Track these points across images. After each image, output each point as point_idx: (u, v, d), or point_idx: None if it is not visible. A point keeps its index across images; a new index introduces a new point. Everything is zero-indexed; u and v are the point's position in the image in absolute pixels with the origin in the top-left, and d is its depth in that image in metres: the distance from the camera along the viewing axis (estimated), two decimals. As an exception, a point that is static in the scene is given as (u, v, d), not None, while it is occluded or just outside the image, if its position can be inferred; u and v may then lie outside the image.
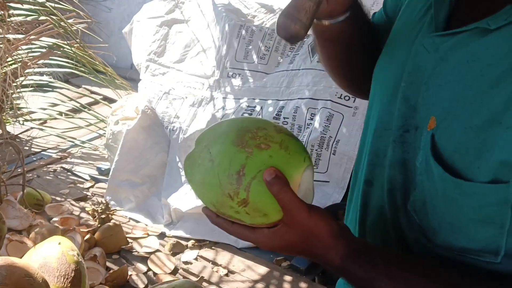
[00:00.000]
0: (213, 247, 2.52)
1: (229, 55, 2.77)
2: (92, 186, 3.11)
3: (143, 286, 2.28)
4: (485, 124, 0.54)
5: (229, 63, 2.76)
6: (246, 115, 2.54)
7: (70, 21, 3.16)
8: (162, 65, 2.97)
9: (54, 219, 2.57)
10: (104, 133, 3.77)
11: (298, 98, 2.41)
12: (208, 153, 0.64)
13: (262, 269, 2.33)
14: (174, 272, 2.37)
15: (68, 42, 3.20)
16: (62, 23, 3.05)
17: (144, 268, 2.39)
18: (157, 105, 2.81)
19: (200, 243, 2.57)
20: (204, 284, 2.24)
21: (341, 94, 2.33)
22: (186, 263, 2.41)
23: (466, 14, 0.62)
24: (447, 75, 0.60)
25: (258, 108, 2.53)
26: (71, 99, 3.66)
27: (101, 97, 4.45)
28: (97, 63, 3.38)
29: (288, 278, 2.26)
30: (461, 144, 0.56)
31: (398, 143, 0.67)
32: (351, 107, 2.29)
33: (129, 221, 2.78)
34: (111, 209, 2.72)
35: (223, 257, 2.44)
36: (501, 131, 0.52)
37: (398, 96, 0.68)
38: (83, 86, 4.72)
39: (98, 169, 3.21)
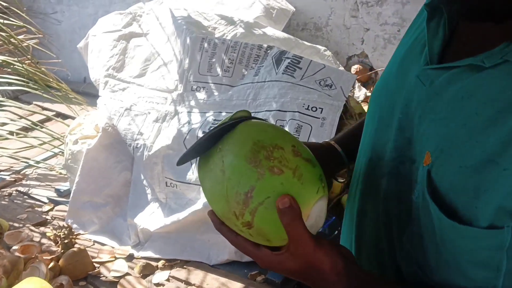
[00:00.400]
0: (184, 266, 2.45)
1: (192, 68, 2.71)
2: (51, 209, 2.96)
3: (115, 312, 2.18)
4: (480, 164, 0.52)
5: (193, 76, 2.71)
6: (212, 128, 2.48)
7: (20, 37, 3.01)
8: (121, 81, 2.87)
9: (14, 247, 2.42)
10: (60, 152, 3.61)
11: (266, 111, 2.39)
12: (221, 162, 0.62)
13: (237, 286, 2.29)
14: (146, 295, 2.29)
15: (18, 58, 3.04)
16: (12, 40, 2.90)
17: (114, 294, 2.29)
18: (118, 122, 2.71)
19: (171, 263, 2.49)
20: (179, 306, 2.17)
21: (308, 106, 2.33)
22: (157, 285, 2.33)
23: (460, 47, 0.61)
24: (441, 110, 0.58)
25: (225, 121, 2.48)
26: (22, 117, 3.48)
27: (54, 113, 4.28)
28: (51, 79, 3.23)
29: (264, 293, 2.23)
30: (457, 183, 0.54)
31: (393, 175, 0.66)
32: (319, 118, 2.30)
33: (93, 244, 2.66)
34: (74, 233, 2.60)
35: (196, 276, 2.37)
36: (498, 173, 0.51)
37: (392, 127, 0.66)
38: (34, 102, 4.53)
39: (57, 190, 3.07)
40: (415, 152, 0.62)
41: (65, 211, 2.85)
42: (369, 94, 3.08)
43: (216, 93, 2.63)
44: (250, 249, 0.63)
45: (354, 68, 3.29)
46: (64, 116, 4.23)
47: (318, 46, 3.16)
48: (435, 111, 0.59)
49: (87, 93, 4.31)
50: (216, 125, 0.69)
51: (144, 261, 2.49)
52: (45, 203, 3.03)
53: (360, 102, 2.72)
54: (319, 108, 2.32)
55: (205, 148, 0.68)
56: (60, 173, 3.38)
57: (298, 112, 2.31)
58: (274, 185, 0.59)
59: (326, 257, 0.60)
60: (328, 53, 3.20)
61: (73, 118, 4.10)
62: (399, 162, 0.64)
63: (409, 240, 0.63)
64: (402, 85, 0.66)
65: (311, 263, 0.60)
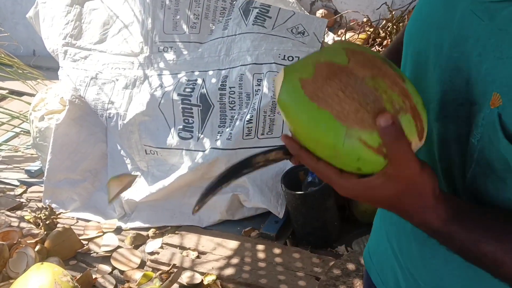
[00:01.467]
0: (176, 232, 2.42)
1: (156, 28, 2.58)
2: (24, 192, 2.84)
3: (113, 287, 2.15)
4: None
5: (158, 36, 2.58)
6: (188, 89, 2.40)
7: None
8: (82, 48, 2.70)
9: (-6, 236, 2.31)
10: (22, 131, 3.43)
11: (241, 65, 2.32)
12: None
13: (233, 244, 2.29)
14: (142, 265, 2.25)
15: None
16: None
17: (109, 268, 2.24)
18: (85, 92, 2.57)
19: (162, 230, 2.45)
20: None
21: (284, 55, 2.27)
22: (152, 253, 2.30)
23: None
24: (508, 48, 0.53)
25: (199, 81, 2.40)
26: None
27: (7, 91, 4.02)
28: (2, 55, 3.01)
29: (260, 247, 2.24)
30: None
31: (450, 118, 0.62)
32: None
33: (77, 222, 2.58)
34: (56, 212, 2.50)
35: (190, 239, 2.35)
36: None
37: (442, 66, 0.62)
38: (-20, 82, 4.24)
39: (27, 171, 2.93)
40: (476, 93, 0.58)
41: (40, 191, 2.74)
42: (337, 38, 3.04)
43: (185, 52, 2.52)
44: (332, 176, 0.56)
45: (319, 13, 3.23)
46: (19, 93, 3.99)
47: (281, -7, 3.06)
48: (500, 49, 0.54)
49: (38, 66, 4.07)
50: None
51: (134, 232, 2.44)
52: (16, 186, 2.89)
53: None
54: (295, 57, 2.27)
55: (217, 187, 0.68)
56: (27, 153, 3.22)
57: (274, 63, 2.25)
58: None
59: (430, 179, 0.55)
60: (292, -1, 3.11)
61: (29, 94, 3.88)
62: (458, 104, 0.61)
63: (472, 182, 0.61)
64: (451, 21, 0.61)
65: (415, 184, 0.55)
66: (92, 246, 2.37)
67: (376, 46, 2.73)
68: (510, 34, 0.53)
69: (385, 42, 2.78)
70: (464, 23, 0.59)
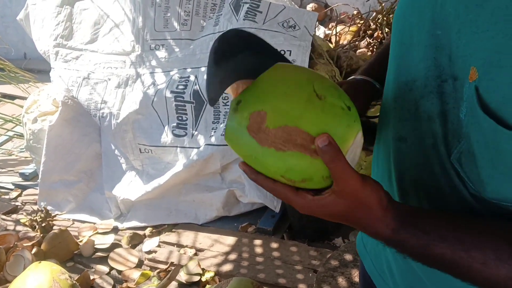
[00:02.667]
0: (173, 230, 2.42)
1: (147, 26, 2.57)
2: (19, 195, 2.82)
3: (111, 287, 2.14)
4: None
5: (149, 34, 2.57)
6: (181, 86, 2.39)
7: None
8: (73, 49, 2.69)
9: (-10, 239, 2.30)
10: (15, 135, 3.41)
11: (233, 60, 2.31)
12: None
13: (230, 239, 2.28)
14: (139, 265, 2.25)
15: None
16: None
17: (106, 269, 2.23)
18: (78, 93, 2.56)
19: (159, 229, 2.45)
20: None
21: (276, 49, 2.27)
22: (149, 252, 2.29)
23: None
24: (484, 22, 0.54)
25: (192, 77, 2.39)
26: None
27: (-1, 95, 4.01)
28: (-7, 59, 2.99)
29: (258, 242, 2.24)
30: (510, 97, 0.52)
31: (436, 94, 0.63)
32: (290, 62, 2.25)
33: (73, 223, 2.57)
34: (51, 214, 2.49)
35: (187, 237, 2.35)
36: None
37: (425, 44, 0.63)
38: (-28, 87, 4.22)
39: (22, 174, 2.91)
40: (457, 68, 0.59)
41: (35, 194, 2.72)
42: (328, 31, 3.04)
43: (177, 49, 2.51)
44: (289, 195, 0.60)
45: (309, 6, 3.23)
46: (11, 97, 3.98)
47: (271, -12, 3.06)
48: (476, 24, 0.55)
49: (29, 69, 4.05)
50: (211, 49, 0.60)
51: (130, 231, 2.43)
52: (11, 189, 2.88)
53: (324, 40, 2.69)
54: (287, 50, 2.26)
55: (221, 76, 0.60)
56: (21, 157, 3.20)
57: (267, 57, 2.24)
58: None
59: (373, 192, 0.58)
60: (282, -6, 3.11)
61: (21, 98, 3.86)
62: (442, 81, 0.61)
63: (458, 159, 0.61)
64: (434, 0, 0.62)
65: (359, 199, 0.58)
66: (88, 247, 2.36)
67: (367, 38, 2.73)
68: (486, 9, 0.54)
69: (375, 34, 2.78)
70: (445, 1, 0.60)
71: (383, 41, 2.68)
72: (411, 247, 0.59)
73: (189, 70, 2.43)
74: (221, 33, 0.56)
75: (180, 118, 2.40)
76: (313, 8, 3.18)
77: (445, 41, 0.60)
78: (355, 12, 2.93)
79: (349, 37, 2.76)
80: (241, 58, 0.59)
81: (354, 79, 0.84)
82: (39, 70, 4.20)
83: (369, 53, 2.59)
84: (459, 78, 0.58)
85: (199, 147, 2.33)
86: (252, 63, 0.62)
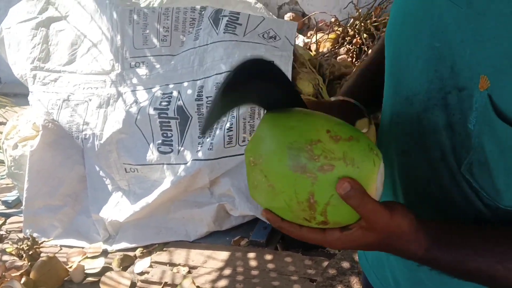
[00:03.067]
0: (164, 249, 2.37)
1: (126, 44, 2.54)
2: (3, 223, 2.75)
3: (104, 312, 2.09)
4: None
5: (128, 52, 2.54)
6: (164, 103, 2.37)
7: None
8: (51, 71, 2.64)
9: (-24, 272, 2.22)
10: (-5, 162, 3.33)
11: (216, 74, 2.30)
12: (263, 177, 0.58)
13: (223, 254, 2.25)
14: (132, 287, 2.20)
15: None
16: None
17: (98, 293, 2.18)
18: (58, 115, 2.51)
19: (149, 249, 2.40)
20: (172, 288, 2.11)
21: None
22: (141, 273, 2.25)
23: None
24: (488, 30, 0.54)
25: (175, 93, 2.37)
26: None
27: (-25, 122, 3.91)
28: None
29: (251, 255, 2.22)
30: None
31: (440, 107, 0.62)
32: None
33: (61, 249, 2.50)
34: (38, 242, 2.42)
35: (179, 255, 2.31)
36: None
37: (424, 57, 0.62)
38: None
39: (4, 202, 2.84)
40: (462, 78, 0.58)
41: (20, 222, 2.65)
42: (307, 40, 3.06)
43: (158, 66, 2.49)
44: (317, 237, 0.60)
45: (287, 16, 3.24)
46: (-13, 124, 3.89)
47: (248, 0, 3.07)
48: (480, 32, 0.55)
49: (5, 94, 3.98)
50: (225, 78, 0.60)
51: (121, 253, 2.38)
52: (-6, 218, 2.80)
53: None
54: (270, 61, 2.26)
55: (225, 105, 0.59)
56: (2, 184, 3.12)
57: (249, 69, 2.24)
58: (331, 183, 0.55)
59: (403, 219, 0.58)
60: (259, 5, 3.12)
61: (-2, 123, 3.78)
62: (446, 92, 0.60)
63: (469, 170, 0.61)
64: (429, 12, 0.61)
65: (391, 231, 0.58)
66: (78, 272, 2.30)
67: (347, 45, 2.75)
68: (488, 17, 0.54)
69: (354, 40, 2.81)
70: (442, 12, 0.59)
71: (362, 47, 2.70)
72: (445, 263, 0.59)
73: (171, 86, 2.41)
74: (239, 63, 0.55)
75: (165, 134, 2.38)
76: (291, 18, 3.20)
77: (446, 52, 0.59)
78: (332, 19, 2.95)
79: (328, 44, 2.78)
80: (249, 87, 0.57)
81: (337, 100, 0.83)
82: (15, 93, 4.12)
83: (349, 59, 2.61)
84: (466, 88, 0.57)
85: (186, 163, 2.31)
86: (258, 92, 0.61)
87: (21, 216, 2.62)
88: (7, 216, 2.78)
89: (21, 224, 2.61)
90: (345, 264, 1.70)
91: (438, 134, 0.63)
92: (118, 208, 2.47)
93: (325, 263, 1.98)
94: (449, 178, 0.64)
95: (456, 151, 0.62)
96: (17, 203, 2.82)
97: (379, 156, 0.59)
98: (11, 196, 2.85)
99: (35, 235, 2.51)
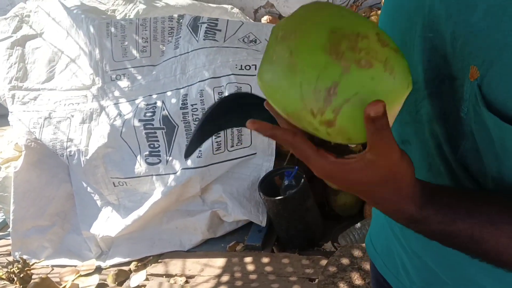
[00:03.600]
0: (159, 260, 2.35)
1: (105, 57, 2.52)
2: (-9, 248, 2.68)
3: (104, 329, 2.05)
4: None
5: (108, 65, 2.51)
6: (148, 114, 2.35)
7: None
8: (30, 90, 2.60)
9: (-32, 300, 2.17)
10: (-24, 186, 3.25)
11: (199, 81, 2.30)
12: (288, 52, 0.51)
13: (220, 261, 2.24)
14: (130, 301, 2.17)
15: None
16: None
17: (96, 311, 2.15)
18: (41, 134, 2.47)
19: (144, 262, 2.37)
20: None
21: (241, 65, 2.27)
22: (138, 287, 2.22)
23: None
24: (479, 21, 0.54)
25: (159, 103, 2.36)
26: None
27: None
28: None
29: (248, 259, 2.21)
30: None
31: (435, 96, 0.63)
32: (255, 75, 2.26)
33: (53, 269, 2.45)
34: (29, 264, 2.37)
35: (175, 266, 2.29)
36: None
37: (418, 48, 0.63)
38: None
39: (-10, 226, 2.77)
40: (454, 69, 0.58)
41: (8, 245, 2.59)
42: (285, 42, 3.08)
43: (139, 77, 2.47)
44: (308, 153, 0.53)
45: (264, 19, 3.26)
46: (-34, 148, 3.79)
47: (224, 5, 3.08)
48: (471, 23, 0.55)
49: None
50: (217, 101, 0.60)
51: (115, 268, 2.35)
52: (-20, 244, 2.73)
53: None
54: (252, 65, 2.27)
55: (210, 130, 0.60)
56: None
57: (233, 74, 2.24)
58: (362, 80, 0.50)
59: (409, 167, 0.54)
60: (235, 10, 3.13)
61: (-23, 147, 3.69)
62: (439, 81, 0.61)
63: (463, 157, 0.62)
64: (421, 3, 0.63)
65: (394, 172, 0.53)
66: (73, 291, 2.27)
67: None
68: (479, 8, 0.54)
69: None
70: (433, 4, 0.60)
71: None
72: (437, 223, 0.56)
73: (154, 96, 2.39)
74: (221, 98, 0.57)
75: (152, 145, 2.36)
76: (268, 20, 3.21)
77: (438, 42, 0.60)
78: (309, 19, 2.97)
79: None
80: (229, 116, 0.57)
81: None
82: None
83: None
84: (458, 78, 0.58)
85: (175, 172, 2.29)
86: (238, 120, 0.60)
87: (9, 239, 2.56)
88: (-6, 240, 2.72)
89: (10, 247, 2.55)
90: (345, 261, 1.71)
91: (433, 123, 0.64)
92: (109, 223, 2.44)
93: (323, 261, 1.99)
94: (446, 167, 0.65)
95: (451, 139, 0.62)
96: (3, 226, 2.75)
97: (412, 84, 0.55)
98: (-4, 219, 2.79)
99: (25, 257, 2.45)
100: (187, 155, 0.61)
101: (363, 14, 2.92)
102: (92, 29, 2.53)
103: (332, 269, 1.68)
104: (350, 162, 0.52)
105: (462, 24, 0.56)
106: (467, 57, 0.56)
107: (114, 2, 2.80)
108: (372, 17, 2.87)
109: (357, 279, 1.59)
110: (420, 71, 0.64)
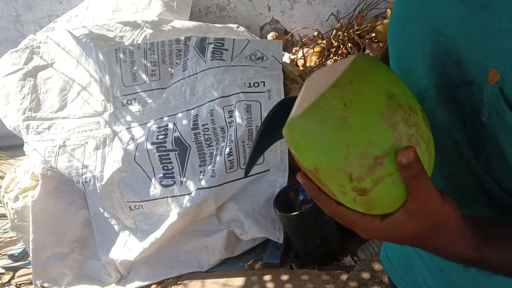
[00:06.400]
0: (178, 282, 2.35)
1: (116, 83, 2.55)
2: (12, 278, 2.70)
3: None
4: None
5: (119, 91, 2.55)
6: (160, 136, 2.37)
7: None
8: (43, 119, 2.64)
9: (-9, 332, 2.18)
10: (-4, 217, 3.30)
11: (209, 101, 2.31)
12: (341, 104, 0.47)
13: (239, 281, 2.23)
14: (152, 325, 2.16)
15: None
16: None
17: (118, 336, 2.14)
18: (56, 162, 2.50)
19: (163, 284, 2.37)
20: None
21: (250, 83, 2.28)
22: (159, 310, 2.22)
23: None
24: (494, 24, 0.54)
25: (170, 125, 2.37)
26: None
27: (-29, 179, 3.88)
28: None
29: (267, 277, 2.19)
30: None
31: (452, 101, 0.62)
32: (264, 92, 2.27)
33: (74, 296, 2.46)
34: (50, 292, 2.39)
35: (194, 287, 2.28)
36: None
37: (433, 54, 0.62)
38: None
39: (11, 256, 2.80)
40: (471, 73, 0.57)
41: (29, 274, 2.61)
42: (293, 56, 3.09)
43: (150, 101, 2.50)
44: (353, 219, 0.54)
45: (270, 36, 3.28)
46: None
47: (230, 25, 3.11)
48: (485, 26, 0.54)
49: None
50: (260, 125, 0.61)
51: (135, 292, 2.35)
52: (2, 274, 2.75)
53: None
54: (261, 82, 2.28)
55: (266, 143, 0.62)
56: (6, 238, 3.08)
57: (242, 92, 2.26)
58: None
59: (452, 209, 0.53)
60: (241, 29, 3.16)
61: (-6, 177, 3.75)
62: (456, 87, 0.60)
63: (487, 162, 0.60)
64: (432, 8, 0.61)
65: (439, 217, 0.53)
66: (95, 317, 2.27)
67: (333, 56, 2.79)
68: (492, 9, 0.54)
69: (340, 51, 2.84)
70: (445, 8, 0.60)
71: (349, 56, 2.73)
72: (498, 262, 0.56)
73: (165, 118, 2.41)
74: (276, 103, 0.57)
75: (165, 167, 2.37)
76: (274, 37, 3.23)
77: (451, 47, 0.59)
78: (315, 33, 2.99)
79: (315, 58, 2.81)
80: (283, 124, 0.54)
81: None
82: (8, 146, 4.10)
83: (338, 70, 2.63)
84: (475, 82, 0.57)
85: (190, 193, 2.30)
86: None
87: (30, 268, 2.58)
88: (15, 269, 2.74)
89: (31, 276, 2.57)
90: (365, 275, 1.69)
91: (452, 129, 0.63)
92: (127, 248, 2.44)
93: (343, 276, 1.96)
94: (469, 173, 0.64)
95: (471, 144, 0.61)
96: (23, 255, 2.78)
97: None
98: (17, 249, 2.81)
99: (46, 285, 2.47)
100: (247, 172, 0.64)
101: (369, 24, 2.92)
102: (101, 56, 2.57)
103: (353, 284, 1.66)
104: (394, 218, 0.52)
105: (476, 27, 0.55)
106: (484, 60, 0.55)
107: (122, 28, 2.85)
108: (378, 27, 2.87)
109: (378, 293, 1.57)
110: (432, 77, 0.63)
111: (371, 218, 0.53)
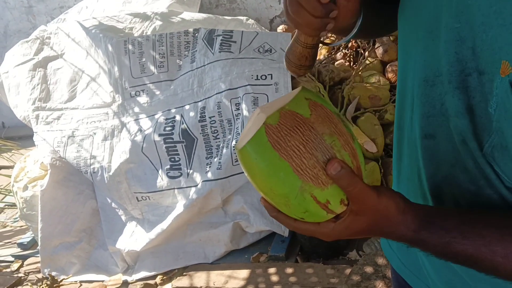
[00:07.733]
0: (184, 273, 2.36)
1: (124, 74, 2.56)
2: (21, 266, 2.74)
3: None
4: None
5: (127, 82, 2.56)
6: (168, 128, 2.38)
7: None
8: (53, 110, 2.67)
9: (-1, 318, 2.21)
10: (6, 205, 3.34)
11: (216, 93, 2.31)
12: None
13: (244, 273, 2.24)
14: (157, 315, 2.18)
15: None
16: None
17: (124, 325, 2.17)
18: (65, 152, 2.52)
19: (169, 275, 2.39)
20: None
21: (257, 75, 2.28)
22: (164, 301, 2.23)
23: None
24: (510, 15, 0.53)
25: (178, 117, 2.38)
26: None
27: (-19, 168, 3.93)
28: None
29: (272, 270, 2.20)
30: None
31: (461, 89, 0.61)
32: (271, 84, 2.26)
33: (81, 285, 2.49)
34: (58, 280, 2.42)
35: (199, 278, 2.29)
36: None
37: (444, 39, 0.61)
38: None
39: (20, 244, 2.83)
40: (483, 62, 0.57)
41: (37, 262, 2.65)
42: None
43: (158, 92, 2.51)
44: (312, 229, 0.63)
45: (280, 29, 3.26)
46: (-6, 168, 3.90)
47: (239, 17, 3.10)
48: (503, 16, 0.54)
49: (10, 137, 4.00)
50: None
51: (141, 282, 2.37)
52: (11, 262, 2.79)
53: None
54: (268, 74, 2.27)
55: None
56: (15, 227, 3.12)
57: (249, 85, 2.25)
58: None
59: (389, 200, 0.60)
60: (250, 21, 3.15)
61: (6, 167, 3.79)
62: (466, 75, 0.60)
63: (491, 153, 0.60)
64: None
65: (378, 212, 0.60)
66: (101, 306, 2.29)
67: (343, 49, 2.76)
68: (510, 0, 0.53)
69: (349, 44, 2.82)
70: None
71: (358, 49, 2.71)
72: (433, 245, 0.61)
73: (173, 110, 2.42)
74: None
75: (172, 159, 2.38)
76: (284, 30, 3.22)
77: (466, 34, 0.58)
78: (324, 26, 2.96)
79: (324, 51, 2.79)
80: None
81: None
82: (19, 136, 4.15)
83: (347, 63, 2.62)
84: (486, 72, 0.57)
85: (196, 185, 2.31)
86: None
87: (38, 256, 2.61)
88: (24, 258, 2.77)
89: (39, 265, 2.60)
90: (369, 269, 1.68)
91: (459, 117, 0.62)
92: (134, 238, 2.46)
93: (348, 270, 1.96)
94: (472, 162, 0.63)
95: (477, 134, 0.61)
96: (32, 244, 2.81)
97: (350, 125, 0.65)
98: (26, 238, 2.85)
99: (53, 273, 2.50)
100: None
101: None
102: (110, 48, 2.59)
103: (356, 278, 1.65)
104: (344, 220, 0.61)
105: (493, 16, 0.55)
106: (498, 51, 0.54)
107: (132, 20, 2.85)
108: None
109: (381, 287, 1.56)
110: (445, 63, 0.62)
111: (325, 224, 0.62)
